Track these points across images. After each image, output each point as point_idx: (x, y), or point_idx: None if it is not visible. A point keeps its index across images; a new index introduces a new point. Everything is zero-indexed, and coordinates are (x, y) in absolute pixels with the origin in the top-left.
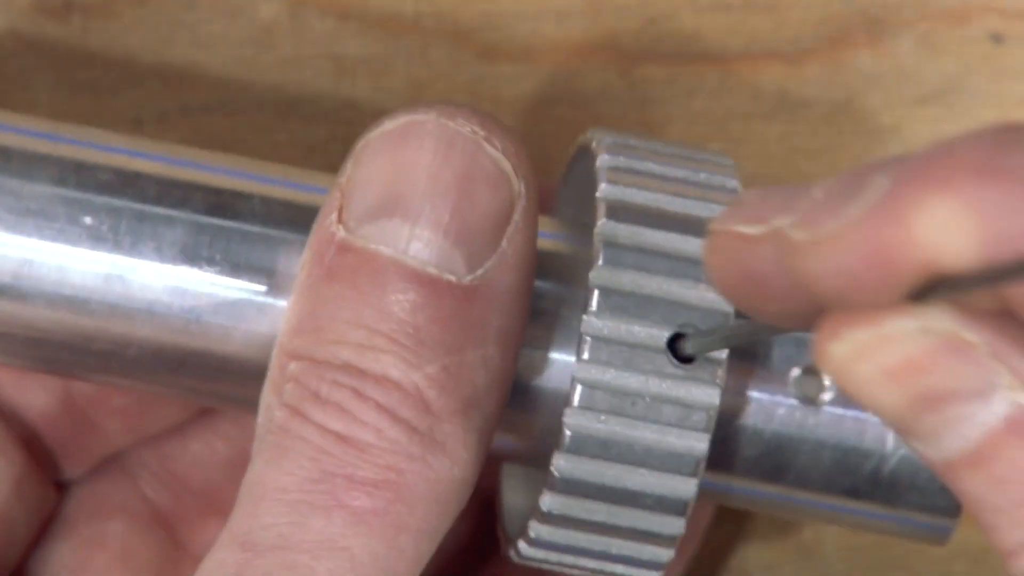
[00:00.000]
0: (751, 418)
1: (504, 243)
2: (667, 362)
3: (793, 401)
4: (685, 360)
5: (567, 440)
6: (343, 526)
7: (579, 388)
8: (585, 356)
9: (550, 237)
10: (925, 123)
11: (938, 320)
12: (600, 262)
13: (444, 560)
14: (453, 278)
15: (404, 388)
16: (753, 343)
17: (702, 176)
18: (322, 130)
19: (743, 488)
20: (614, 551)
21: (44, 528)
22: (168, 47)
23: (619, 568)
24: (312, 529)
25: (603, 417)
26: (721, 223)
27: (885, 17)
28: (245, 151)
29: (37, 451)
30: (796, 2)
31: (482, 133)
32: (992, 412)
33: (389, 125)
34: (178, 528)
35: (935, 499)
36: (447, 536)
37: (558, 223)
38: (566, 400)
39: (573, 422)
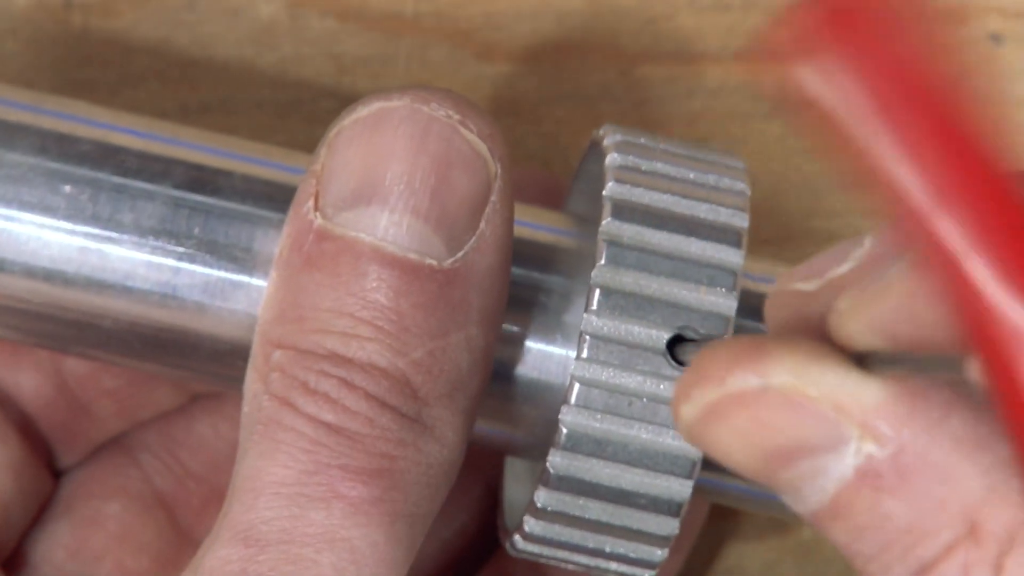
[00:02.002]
0: None
1: (483, 224)
2: (665, 364)
3: None
4: (684, 362)
5: (562, 437)
6: (342, 517)
7: (576, 386)
8: (584, 354)
9: (557, 232)
10: None
11: (779, 376)
12: (602, 261)
13: (451, 553)
14: (434, 262)
15: (391, 375)
16: None
17: (711, 178)
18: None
19: (715, 481)
20: (608, 549)
21: (40, 514)
22: (168, 47)
23: (613, 566)
24: (312, 522)
25: (599, 416)
26: (779, 285)
27: None
28: None
29: (33, 436)
30: (795, 2)
31: (457, 117)
32: (844, 464)
33: (362, 112)
34: (180, 512)
35: None
36: (454, 529)
37: (567, 218)
38: (564, 397)
39: (569, 420)
